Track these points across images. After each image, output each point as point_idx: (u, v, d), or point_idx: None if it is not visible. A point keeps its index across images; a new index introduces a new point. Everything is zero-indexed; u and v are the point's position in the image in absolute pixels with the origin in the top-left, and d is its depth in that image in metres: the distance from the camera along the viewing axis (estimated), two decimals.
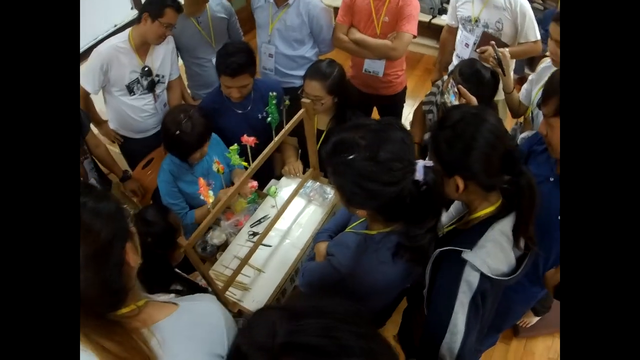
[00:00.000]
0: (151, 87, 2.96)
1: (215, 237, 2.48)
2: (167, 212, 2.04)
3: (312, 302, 0.96)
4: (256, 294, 2.13)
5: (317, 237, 1.93)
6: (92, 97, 3.01)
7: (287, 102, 2.09)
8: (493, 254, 1.39)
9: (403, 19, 2.84)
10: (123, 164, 3.28)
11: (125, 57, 2.82)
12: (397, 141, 1.31)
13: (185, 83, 3.46)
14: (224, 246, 2.47)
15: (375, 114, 3.49)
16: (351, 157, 1.29)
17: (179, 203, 2.52)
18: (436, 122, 1.48)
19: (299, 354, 0.81)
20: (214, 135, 2.58)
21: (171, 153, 2.44)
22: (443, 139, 1.40)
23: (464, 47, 3.09)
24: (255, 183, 2.12)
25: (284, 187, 2.63)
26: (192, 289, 1.90)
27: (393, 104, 3.32)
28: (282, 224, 2.38)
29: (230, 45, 2.57)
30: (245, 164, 1.99)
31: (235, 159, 1.97)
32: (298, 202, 2.48)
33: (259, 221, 2.47)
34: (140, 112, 3.01)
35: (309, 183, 2.54)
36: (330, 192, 2.48)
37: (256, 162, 1.94)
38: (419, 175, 1.32)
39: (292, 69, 3.15)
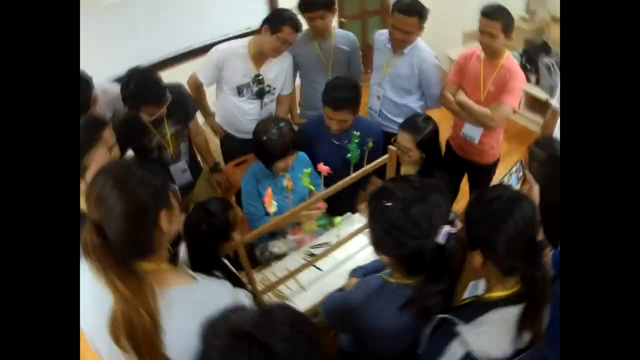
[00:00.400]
0: (260, 95, 3.14)
1: (276, 246, 2.62)
2: (229, 208, 2.10)
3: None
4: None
5: (352, 272, 2.09)
6: (207, 90, 3.26)
7: (371, 144, 2.21)
8: (487, 335, 1.38)
9: (506, 91, 2.85)
10: (219, 157, 3.47)
11: (240, 61, 3.02)
12: (432, 203, 1.41)
13: (297, 100, 3.63)
14: (281, 257, 2.60)
15: (465, 179, 3.50)
16: (387, 204, 1.41)
17: (256, 205, 2.63)
18: (475, 194, 1.52)
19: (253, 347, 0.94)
20: (304, 156, 2.72)
21: (257, 157, 2.57)
22: (476, 211, 1.44)
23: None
24: (323, 204, 2.25)
25: (356, 222, 2.71)
26: (232, 280, 1.93)
27: (483, 173, 3.32)
28: (339, 254, 2.49)
29: (339, 80, 2.71)
30: (312, 187, 2.11)
31: (305, 181, 2.10)
32: (361, 240, 2.56)
33: (320, 245, 2.59)
34: (245, 115, 3.20)
35: None
36: None
37: (327, 191, 2.08)
38: (442, 238, 1.38)
39: (395, 115, 3.22)
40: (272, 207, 1.97)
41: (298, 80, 3.53)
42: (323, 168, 2.13)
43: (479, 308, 1.45)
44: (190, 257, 1.81)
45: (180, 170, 3.02)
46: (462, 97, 3.04)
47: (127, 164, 1.30)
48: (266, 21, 2.91)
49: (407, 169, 2.73)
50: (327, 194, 2.09)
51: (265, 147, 2.42)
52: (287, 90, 3.32)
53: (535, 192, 2.00)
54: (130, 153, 2.69)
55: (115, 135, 2.34)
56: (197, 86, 3.21)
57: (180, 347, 1.17)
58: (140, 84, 2.49)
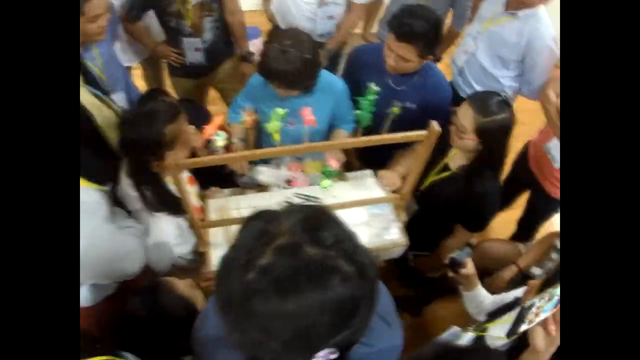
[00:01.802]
0: None
1: (263, 174, 2.15)
2: (170, 119, 1.67)
3: None
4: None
5: None
6: None
7: (396, 109, 1.59)
8: None
9: None
10: None
11: None
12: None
13: (380, 15, 3.01)
14: (261, 189, 2.16)
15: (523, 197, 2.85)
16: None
17: (240, 106, 2.18)
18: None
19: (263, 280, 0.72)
20: (339, 84, 2.15)
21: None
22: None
23: None
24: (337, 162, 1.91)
25: (364, 189, 2.17)
26: (164, 204, 1.75)
27: (545, 205, 2.62)
28: None
29: (419, 7, 2.03)
30: (277, 139, 1.59)
31: (273, 124, 1.56)
32: (356, 213, 2.02)
33: (307, 196, 2.07)
34: (299, 9, 2.66)
35: (384, 206, 2.06)
36: (392, 234, 1.98)
37: (305, 146, 1.56)
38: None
39: (478, 82, 2.60)
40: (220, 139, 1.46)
41: None
42: (306, 114, 1.53)
43: None
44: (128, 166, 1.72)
45: (192, 46, 2.65)
46: None
47: None
48: None
49: (456, 155, 2.09)
50: (337, 145, 1.52)
51: (263, 61, 1.88)
52: None
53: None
54: (150, 14, 2.58)
55: None
56: None
57: None
58: None
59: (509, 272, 2.19)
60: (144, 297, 1.45)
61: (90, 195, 1.53)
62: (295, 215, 0.79)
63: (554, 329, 1.20)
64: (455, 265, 1.78)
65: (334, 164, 2.00)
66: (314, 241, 0.74)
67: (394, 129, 1.59)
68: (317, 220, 0.79)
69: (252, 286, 0.72)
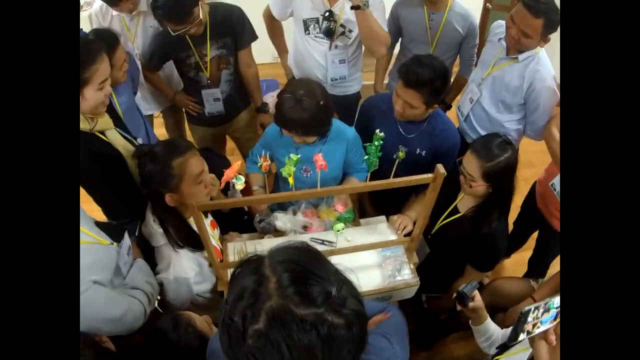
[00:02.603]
0: (328, 34, 2.63)
1: (280, 220, 2.22)
2: (176, 155, 1.75)
3: None
4: None
5: None
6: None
7: (402, 154, 1.68)
8: None
9: None
10: None
11: None
12: None
13: (390, 68, 3.13)
14: (278, 234, 2.23)
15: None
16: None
17: (257, 154, 2.21)
18: None
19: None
20: (351, 132, 2.26)
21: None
22: None
23: None
24: (343, 207, 2.00)
25: (377, 234, 2.22)
26: (185, 240, 1.84)
27: (555, 242, 2.60)
28: (336, 259, 1.99)
29: (427, 57, 2.12)
30: (291, 182, 1.68)
31: (287, 168, 1.64)
32: (370, 255, 2.09)
33: (322, 241, 2.13)
34: (310, 55, 2.74)
35: (396, 249, 2.12)
36: (404, 275, 2.03)
37: (318, 191, 1.64)
38: None
39: (483, 128, 2.65)
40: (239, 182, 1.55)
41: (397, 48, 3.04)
42: (318, 160, 1.62)
43: None
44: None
45: (211, 97, 2.78)
46: None
47: None
48: None
49: (464, 198, 2.17)
50: (348, 190, 1.61)
51: (279, 111, 1.99)
52: None
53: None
54: (170, 64, 2.74)
55: (154, 45, 2.62)
56: (270, 18, 2.82)
57: None
58: None
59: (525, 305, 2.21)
60: (163, 327, 1.52)
61: (90, 255, 1.55)
62: (283, 273, 0.83)
63: (554, 338, 1.24)
64: (463, 298, 1.79)
65: (340, 208, 2.06)
66: (302, 302, 0.79)
67: (406, 175, 1.67)
68: (305, 278, 0.83)
69: (251, 349, 0.79)
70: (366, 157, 1.69)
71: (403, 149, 1.72)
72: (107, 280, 1.61)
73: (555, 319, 1.31)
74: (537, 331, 1.30)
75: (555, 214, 2.46)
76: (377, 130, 1.67)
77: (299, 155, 1.65)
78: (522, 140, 2.73)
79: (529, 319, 1.30)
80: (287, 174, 1.62)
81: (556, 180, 2.38)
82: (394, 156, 1.69)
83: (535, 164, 2.49)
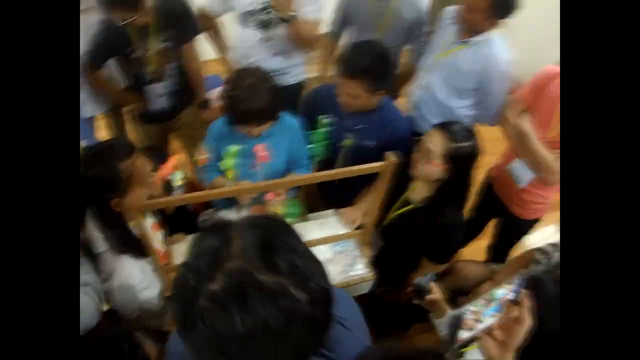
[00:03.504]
0: (265, 25, 2.58)
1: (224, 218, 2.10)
2: (123, 157, 1.67)
3: None
4: None
5: None
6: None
7: (349, 141, 1.61)
8: None
9: None
10: None
11: None
12: None
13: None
14: None
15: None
16: None
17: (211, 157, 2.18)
18: None
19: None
20: (294, 123, 2.15)
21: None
22: None
23: None
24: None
25: (327, 228, 2.16)
26: (127, 245, 1.74)
27: (515, 228, 2.61)
28: None
29: (365, 43, 2.04)
30: (229, 176, 1.60)
31: (226, 161, 1.57)
32: (321, 251, 2.01)
33: None
34: (248, 50, 2.68)
35: (348, 243, 2.05)
36: (358, 269, 1.96)
37: (262, 185, 1.62)
38: None
39: (433, 115, 2.58)
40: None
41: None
42: (260, 151, 1.54)
43: None
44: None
45: (155, 92, 2.67)
46: (526, 125, 2.24)
47: None
48: None
49: (417, 188, 2.08)
50: (291, 182, 1.61)
51: (230, 103, 1.89)
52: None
53: (522, 330, 1.20)
54: (110, 62, 2.61)
55: (96, 43, 2.45)
56: (208, 16, 2.75)
57: None
58: None
59: (487, 289, 2.16)
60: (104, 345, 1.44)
61: None
62: (250, 236, 0.78)
63: (500, 333, 1.17)
64: (420, 291, 1.73)
65: (270, 196, 2.00)
66: (266, 268, 0.74)
67: None
68: (272, 245, 0.78)
69: (202, 311, 0.72)
70: (311, 145, 1.61)
71: (350, 136, 1.65)
72: None
73: (499, 311, 1.24)
74: (480, 327, 1.21)
75: (515, 199, 2.45)
76: (323, 117, 1.59)
77: (237, 147, 1.55)
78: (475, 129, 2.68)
79: (468, 314, 1.24)
80: (227, 168, 1.53)
81: (514, 164, 2.36)
82: (340, 144, 1.61)
83: (490, 151, 2.46)
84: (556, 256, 1.86)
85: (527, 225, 2.57)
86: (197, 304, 0.73)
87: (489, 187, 2.66)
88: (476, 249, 2.99)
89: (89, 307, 1.64)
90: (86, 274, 1.74)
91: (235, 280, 0.72)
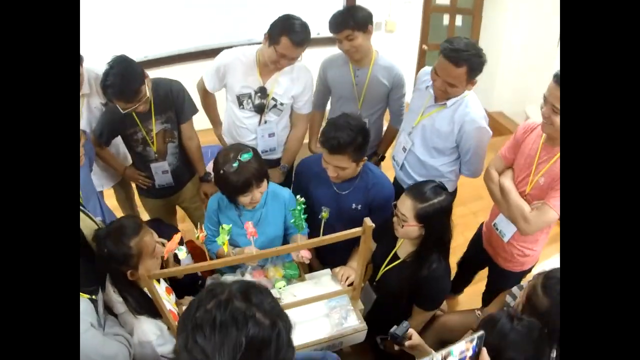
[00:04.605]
0: (259, 109, 2.81)
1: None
2: (132, 235, 1.90)
3: None
4: None
5: None
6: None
7: (325, 214, 1.82)
8: None
9: (556, 190, 2.07)
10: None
11: (244, 69, 2.72)
12: None
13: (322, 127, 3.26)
14: None
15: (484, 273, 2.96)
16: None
17: (213, 231, 2.36)
18: None
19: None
20: (286, 193, 2.39)
21: (219, 189, 2.27)
22: None
23: None
24: (308, 253, 2.14)
25: (322, 287, 2.32)
26: (145, 309, 1.96)
27: (503, 280, 2.62)
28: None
29: (342, 118, 2.22)
30: (226, 250, 1.84)
31: (222, 237, 1.79)
32: (316, 307, 2.19)
33: None
34: (243, 128, 2.90)
35: (342, 299, 2.23)
36: (352, 322, 2.13)
37: (256, 254, 1.86)
38: None
39: (420, 175, 2.71)
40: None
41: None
42: (249, 227, 1.76)
43: None
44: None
45: (160, 170, 2.85)
46: (506, 181, 2.33)
47: None
48: (269, 28, 2.56)
49: (404, 245, 2.26)
50: (260, 255, 1.81)
51: (223, 180, 2.12)
52: (305, 110, 2.90)
53: None
54: (118, 140, 2.82)
55: (101, 123, 2.69)
56: (204, 90, 2.95)
57: None
58: (116, 75, 2.30)
59: (468, 335, 2.27)
60: None
61: (83, 302, 1.75)
62: (237, 284, 1.09)
63: None
64: (396, 339, 1.86)
65: (305, 254, 2.16)
66: (243, 299, 1.04)
67: (346, 230, 1.82)
68: (252, 289, 1.08)
69: (197, 322, 1.01)
70: (292, 220, 1.82)
71: (326, 209, 1.86)
72: (96, 326, 1.79)
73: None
74: None
75: (501, 253, 2.55)
76: (298, 196, 1.81)
77: (230, 225, 1.77)
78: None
79: None
80: (221, 243, 1.74)
81: (498, 220, 2.46)
82: (319, 216, 1.83)
83: (484, 196, 2.58)
84: (520, 295, 1.98)
85: (516, 278, 2.62)
86: (196, 316, 1.02)
87: (479, 240, 2.77)
88: (476, 293, 3.07)
89: (122, 352, 1.85)
90: (116, 327, 1.97)
91: (220, 304, 1.02)
